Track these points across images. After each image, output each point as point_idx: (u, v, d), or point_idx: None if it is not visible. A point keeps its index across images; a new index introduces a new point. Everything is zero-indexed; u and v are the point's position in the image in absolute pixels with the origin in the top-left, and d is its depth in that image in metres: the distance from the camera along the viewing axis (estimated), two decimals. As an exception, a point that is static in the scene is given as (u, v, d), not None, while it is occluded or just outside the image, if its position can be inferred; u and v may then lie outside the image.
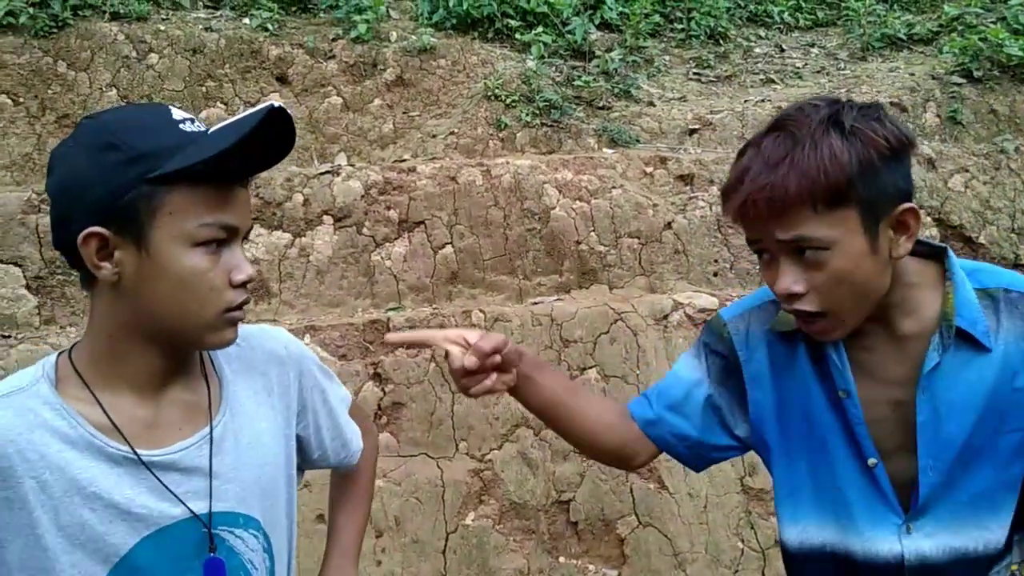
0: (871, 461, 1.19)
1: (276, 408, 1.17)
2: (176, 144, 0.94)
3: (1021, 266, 3.88)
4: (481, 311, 3.24)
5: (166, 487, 1.00)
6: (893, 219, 1.11)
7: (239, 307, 1.01)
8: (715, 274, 3.70)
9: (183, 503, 1.01)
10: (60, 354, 1.04)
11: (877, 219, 1.09)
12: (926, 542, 1.18)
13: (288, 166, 4.03)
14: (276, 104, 0.95)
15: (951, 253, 1.20)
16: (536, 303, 3.43)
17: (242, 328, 1.12)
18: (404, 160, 4.10)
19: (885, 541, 1.20)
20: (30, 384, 0.99)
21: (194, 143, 0.95)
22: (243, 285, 1.01)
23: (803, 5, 5.91)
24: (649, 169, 3.88)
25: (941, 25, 5.31)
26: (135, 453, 0.99)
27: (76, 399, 0.99)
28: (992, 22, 5.00)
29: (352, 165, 3.81)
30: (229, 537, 1.06)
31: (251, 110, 0.96)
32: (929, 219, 3.83)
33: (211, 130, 0.99)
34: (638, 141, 4.30)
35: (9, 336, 3.07)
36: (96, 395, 1.00)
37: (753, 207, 1.08)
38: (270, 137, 0.98)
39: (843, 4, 5.83)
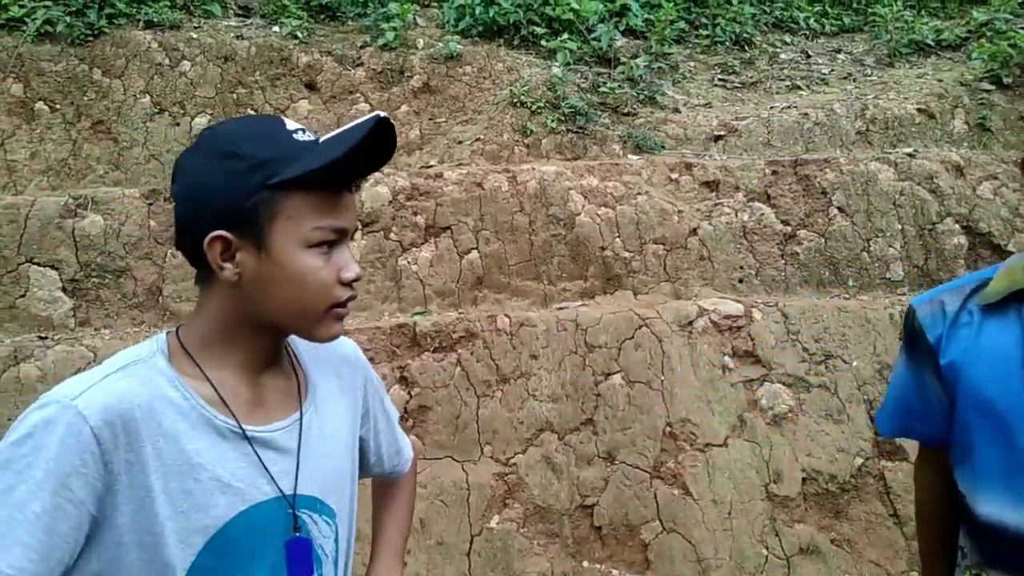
0: None
1: (348, 407, 1.24)
2: (292, 153, 1.01)
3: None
4: (506, 316, 3.27)
5: (263, 464, 1.06)
6: None
7: (345, 303, 1.08)
8: (740, 280, 3.70)
9: (275, 482, 1.07)
10: (168, 333, 1.10)
11: None
12: None
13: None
14: (382, 115, 1.02)
15: None
16: (561, 308, 3.45)
17: None
18: (431, 166, 4.14)
19: None
20: (148, 356, 1.04)
21: (308, 151, 1.02)
22: (350, 283, 1.07)
23: (829, 11, 5.88)
24: (674, 175, 3.89)
25: (970, 31, 5.26)
26: (241, 427, 1.05)
27: (187, 375, 1.05)
28: (1022, 28, 4.95)
29: (379, 171, 3.85)
30: (308, 521, 1.11)
31: (359, 120, 1.03)
32: (957, 226, 3.80)
33: (322, 139, 1.05)
34: (663, 147, 4.30)
35: (46, 337, 3.15)
36: (206, 373, 1.05)
37: None
38: (375, 144, 1.04)
39: (870, 10, 5.79)
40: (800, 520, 3.12)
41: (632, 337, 3.25)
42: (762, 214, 3.78)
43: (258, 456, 1.06)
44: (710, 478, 3.11)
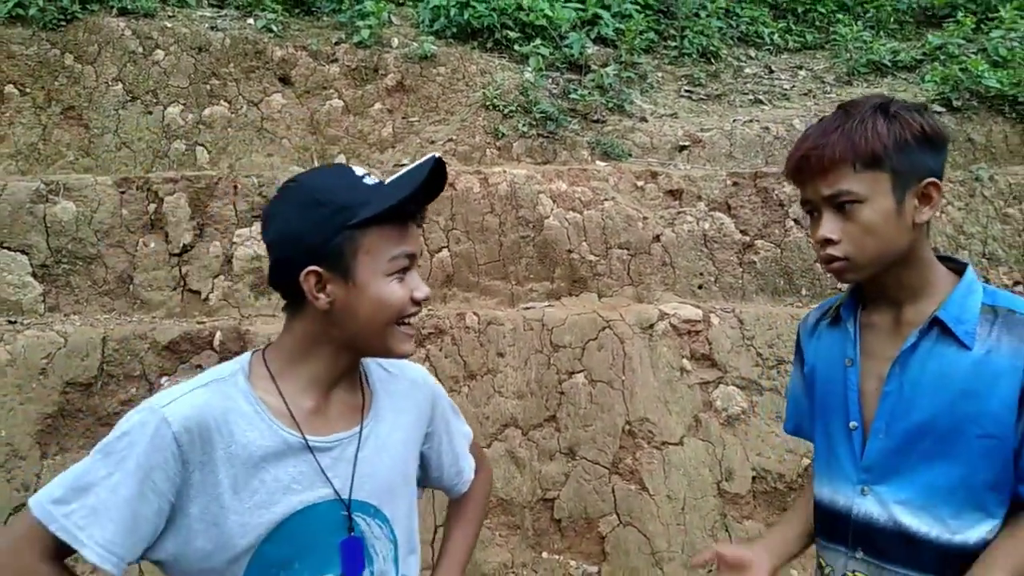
0: (852, 424, 1.41)
1: (410, 425, 1.42)
2: (366, 197, 1.21)
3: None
4: (475, 314, 3.36)
5: (322, 470, 1.24)
6: (919, 190, 1.32)
7: (410, 316, 1.27)
8: (700, 287, 3.84)
9: (332, 485, 1.24)
10: (255, 352, 1.29)
11: (905, 187, 1.31)
12: (876, 508, 1.37)
13: (289, 167, 4.13)
14: (438, 156, 1.22)
15: (970, 268, 1.42)
16: (527, 308, 3.55)
17: (394, 362, 1.39)
18: (403, 165, 4.20)
19: (842, 495, 1.42)
20: (230, 375, 1.24)
21: (378, 193, 1.21)
22: (420, 302, 1.26)
23: (793, 28, 6.08)
24: (640, 183, 4.02)
25: (924, 53, 5.49)
26: (304, 439, 1.23)
27: (264, 390, 1.24)
28: (973, 53, 5.18)
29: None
30: (361, 522, 1.28)
31: (418, 162, 1.23)
32: (905, 241, 3.98)
33: (387, 181, 1.24)
34: (630, 155, 4.43)
35: (15, 322, 3.15)
36: (280, 388, 1.24)
37: (806, 163, 1.34)
38: (433, 180, 1.24)
39: (831, 28, 6.00)
40: (749, 516, 3.27)
41: (595, 338, 3.37)
42: (722, 223, 3.93)
43: (318, 463, 1.23)
44: (665, 475, 3.24)
